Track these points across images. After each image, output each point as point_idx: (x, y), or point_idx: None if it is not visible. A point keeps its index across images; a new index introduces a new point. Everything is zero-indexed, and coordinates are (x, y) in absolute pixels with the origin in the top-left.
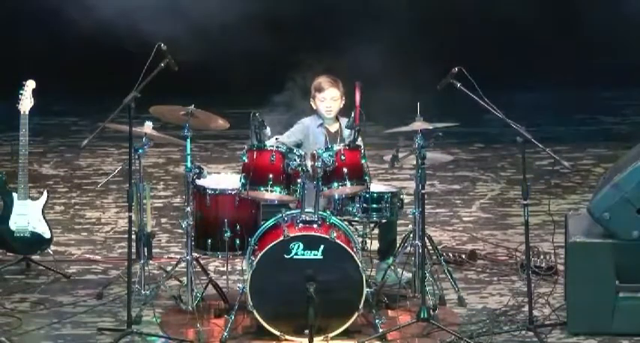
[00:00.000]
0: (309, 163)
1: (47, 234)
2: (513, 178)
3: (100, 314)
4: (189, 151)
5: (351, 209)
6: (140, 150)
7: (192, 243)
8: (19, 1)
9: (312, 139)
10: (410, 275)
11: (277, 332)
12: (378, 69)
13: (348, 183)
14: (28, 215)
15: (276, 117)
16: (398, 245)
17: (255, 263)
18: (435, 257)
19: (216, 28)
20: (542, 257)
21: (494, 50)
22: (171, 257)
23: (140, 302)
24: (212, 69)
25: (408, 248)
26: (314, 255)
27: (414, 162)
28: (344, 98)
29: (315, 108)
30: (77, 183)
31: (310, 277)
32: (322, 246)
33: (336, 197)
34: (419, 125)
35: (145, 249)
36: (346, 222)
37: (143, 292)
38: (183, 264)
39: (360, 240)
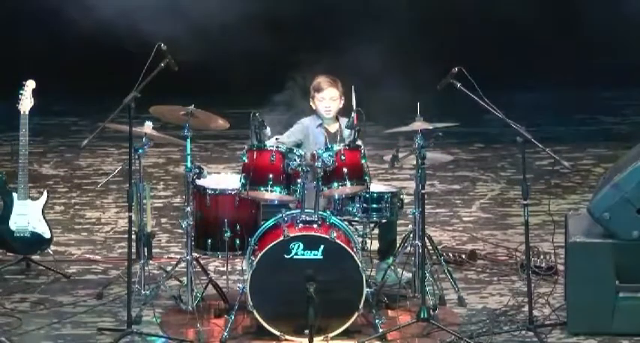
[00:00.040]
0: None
1: (47, 234)
2: (513, 178)
3: (100, 314)
4: (189, 151)
5: (351, 209)
6: (140, 150)
7: (192, 243)
8: (19, 1)
9: (312, 139)
10: (410, 275)
11: (277, 332)
12: (378, 69)
13: (348, 183)
14: (28, 215)
15: (276, 117)
16: (398, 245)
17: (255, 263)
18: (435, 257)
19: (216, 28)
20: (542, 257)
21: (494, 50)
22: (171, 257)
23: (140, 302)
24: (212, 69)
25: (408, 248)
26: (314, 255)
27: (414, 162)
28: (343, 98)
29: (314, 108)
30: (77, 183)
31: (310, 277)
32: (322, 246)
33: (336, 197)
34: (419, 125)
35: (145, 249)
36: (346, 222)
37: (143, 292)
38: (183, 264)
39: (360, 240)
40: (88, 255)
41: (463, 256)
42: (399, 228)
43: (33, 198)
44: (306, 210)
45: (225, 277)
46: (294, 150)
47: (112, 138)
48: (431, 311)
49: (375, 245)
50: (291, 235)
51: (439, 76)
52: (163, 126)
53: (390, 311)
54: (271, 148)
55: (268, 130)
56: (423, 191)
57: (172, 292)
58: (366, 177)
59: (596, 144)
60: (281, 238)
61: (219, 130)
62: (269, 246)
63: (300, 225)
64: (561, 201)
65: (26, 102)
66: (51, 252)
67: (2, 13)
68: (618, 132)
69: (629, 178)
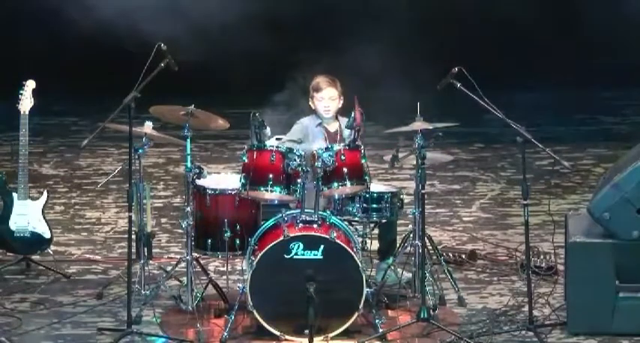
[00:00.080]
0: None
1: (47, 234)
2: (513, 178)
3: (100, 314)
4: (189, 151)
5: (351, 209)
6: (140, 150)
7: (192, 243)
8: (19, 1)
9: (312, 139)
10: (410, 275)
11: (277, 332)
12: (378, 69)
13: (348, 183)
14: (28, 215)
15: (276, 117)
16: (398, 245)
17: (255, 263)
18: (435, 257)
19: (216, 28)
20: (542, 257)
21: (494, 50)
22: (171, 257)
23: (140, 302)
24: (212, 69)
25: (408, 248)
26: (314, 255)
27: (414, 162)
28: (342, 97)
29: (313, 108)
30: (77, 183)
31: (310, 277)
32: (322, 246)
33: (336, 197)
34: (419, 125)
35: (145, 249)
36: (346, 222)
37: (143, 292)
38: (183, 264)
39: (360, 240)
40: (88, 255)
41: (463, 256)
42: (399, 228)
43: (33, 198)
44: (306, 210)
45: (225, 277)
46: (294, 150)
47: (112, 138)
48: (431, 311)
49: (375, 245)
50: (291, 235)
51: (439, 76)
52: (163, 126)
53: (390, 311)
54: (271, 148)
55: (268, 130)
56: (423, 191)
57: (172, 292)
58: (366, 177)
59: (596, 144)
60: (281, 238)
61: (219, 130)
62: (269, 246)
63: (300, 225)
64: (561, 201)
65: (26, 102)
66: (51, 252)
67: (2, 13)
68: (618, 132)
69: (629, 178)
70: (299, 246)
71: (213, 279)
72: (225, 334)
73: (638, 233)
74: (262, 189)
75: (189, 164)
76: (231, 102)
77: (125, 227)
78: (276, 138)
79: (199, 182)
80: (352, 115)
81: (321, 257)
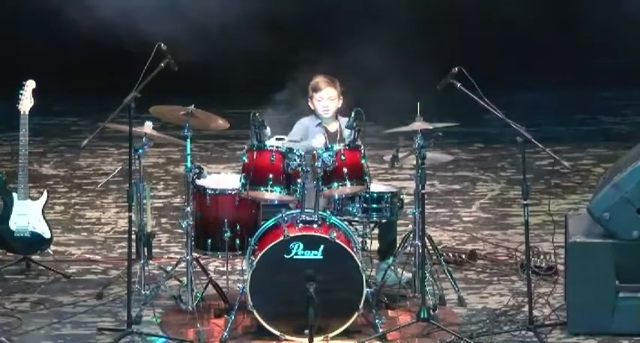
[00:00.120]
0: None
1: (47, 234)
2: (513, 178)
3: (100, 314)
4: (189, 151)
5: (351, 209)
6: (140, 150)
7: (192, 243)
8: (19, 1)
9: (311, 139)
10: (410, 275)
11: (277, 332)
12: (378, 69)
13: (348, 183)
14: (28, 215)
15: (276, 117)
16: (398, 245)
17: (255, 263)
18: (435, 257)
19: (216, 28)
20: (542, 257)
21: (494, 50)
22: (171, 258)
23: (140, 302)
24: (212, 69)
25: (408, 248)
26: (314, 255)
27: (414, 162)
28: (341, 97)
29: (312, 108)
30: (77, 183)
31: (310, 277)
32: (322, 246)
33: (336, 197)
34: (419, 125)
35: (145, 249)
36: (346, 222)
37: (143, 292)
38: (183, 264)
39: (360, 240)
40: (88, 255)
41: (463, 256)
42: (399, 228)
43: (33, 198)
44: (306, 210)
45: (225, 277)
46: (294, 150)
47: (112, 138)
48: (431, 311)
49: (375, 245)
50: (291, 235)
51: (439, 76)
52: (163, 126)
53: (390, 311)
54: (271, 148)
55: (268, 130)
56: (423, 191)
57: (172, 292)
58: (366, 177)
59: (596, 144)
60: (281, 238)
61: (219, 130)
62: (269, 246)
63: (300, 225)
64: (561, 201)
65: (26, 102)
66: (51, 252)
67: (2, 13)
68: (618, 132)
69: (629, 178)
70: (299, 246)
71: (213, 279)
72: (225, 334)
73: (638, 233)
74: (262, 189)
75: (189, 164)
76: (231, 102)
77: (125, 227)
78: (277, 138)
79: (199, 182)
80: (352, 115)
81: (321, 257)
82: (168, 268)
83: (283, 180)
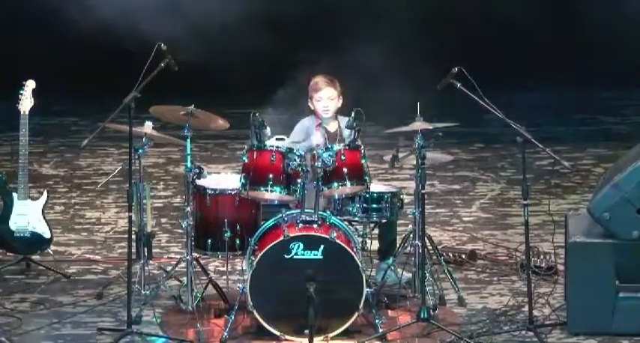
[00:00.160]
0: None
1: (47, 234)
2: (513, 178)
3: (100, 314)
4: (189, 151)
5: (351, 209)
6: (140, 150)
7: (192, 243)
8: (19, 1)
9: (311, 138)
10: (410, 275)
11: (277, 332)
12: (377, 69)
13: (348, 183)
14: (28, 215)
15: (276, 117)
16: (398, 245)
17: (255, 263)
18: (435, 257)
19: (216, 28)
20: (542, 257)
21: (494, 50)
22: (171, 258)
23: (140, 302)
24: (212, 69)
25: (408, 248)
26: (314, 255)
27: (414, 162)
28: (341, 97)
29: (312, 108)
30: (77, 183)
31: (310, 277)
32: (322, 246)
33: (336, 197)
34: (419, 125)
35: (145, 249)
36: (346, 222)
37: (143, 292)
38: (183, 264)
39: (360, 240)
40: (88, 255)
41: (463, 256)
42: (399, 228)
43: (33, 198)
44: (306, 210)
45: (225, 277)
46: (294, 150)
47: (112, 138)
48: (431, 311)
49: (375, 245)
50: (291, 235)
51: (439, 76)
52: (163, 126)
53: (390, 311)
54: (271, 148)
55: (268, 130)
56: (423, 191)
57: (172, 292)
58: (366, 177)
59: (596, 144)
60: (281, 238)
61: (219, 130)
62: (269, 246)
63: (300, 225)
64: (561, 201)
65: (26, 102)
66: (51, 252)
67: (2, 13)
68: (618, 132)
69: (629, 178)
70: (299, 246)
71: (213, 279)
72: (225, 334)
73: (638, 233)
74: (262, 189)
75: (189, 164)
76: (231, 102)
77: (125, 227)
78: (277, 138)
79: (199, 182)
80: (352, 115)
81: (321, 257)
82: (168, 268)
83: (283, 180)
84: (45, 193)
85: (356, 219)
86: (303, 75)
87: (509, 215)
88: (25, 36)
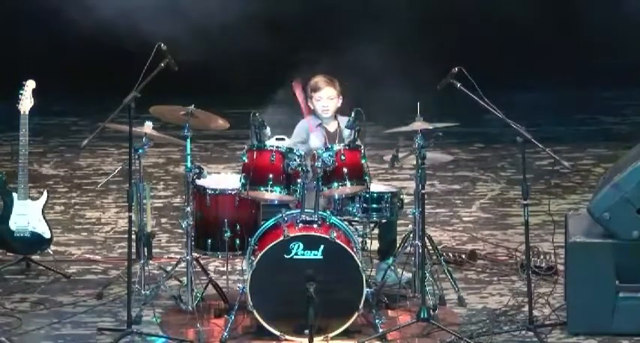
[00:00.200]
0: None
1: (47, 234)
2: (513, 178)
3: (100, 314)
4: (189, 151)
5: (351, 209)
6: (140, 150)
7: (192, 243)
8: (19, 1)
9: (312, 139)
10: (410, 275)
11: (277, 332)
12: (378, 69)
13: (348, 183)
14: (28, 215)
15: (276, 117)
16: (398, 245)
17: (255, 263)
18: (435, 257)
19: (216, 28)
20: (542, 257)
21: (494, 50)
22: (171, 258)
23: (140, 302)
24: (212, 69)
25: (408, 248)
26: (314, 255)
27: (414, 162)
28: (341, 97)
29: (312, 108)
30: (77, 183)
31: (310, 277)
32: (322, 246)
33: (336, 197)
34: (419, 125)
35: (145, 249)
36: (346, 222)
37: (143, 292)
38: (183, 264)
39: (360, 240)
40: (88, 255)
41: (463, 256)
42: (399, 228)
43: (33, 198)
44: (306, 210)
45: (225, 277)
46: (294, 150)
47: (112, 138)
48: (431, 311)
49: (375, 245)
50: (291, 235)
51: (439, 76)
52: (163, 126)
53: (390, 311)
54: (271, 148)
55: (268, 130)
56: (423, 191)
57: (172, 292)
58: (366, 177)
59: (596, 144)
60: (281, 238)
61: (219, 130)
62: (269, 246)
63: (300, 225)
64: (561, 201)
65: (26, 102)
66: (51, 252)
67: (2, 13)
68: (618, 132)
69: (629, 178)
70: (299, 246)
71: (213, 279)
72: (225, 334)
73: (638, 233)
74: (262, 189)
75: (189, 164)
76: (231, 102)
77: (125, 227)
78: (277, 138)
79: (199, 182)
80: (352, 115)
81: (321, 257)
82: (168, 268)
83: (283, 180)
84: (45, 193)
85: (356, 219)
86: (303, 75)
87: (509, 215)
88: (25, 36)
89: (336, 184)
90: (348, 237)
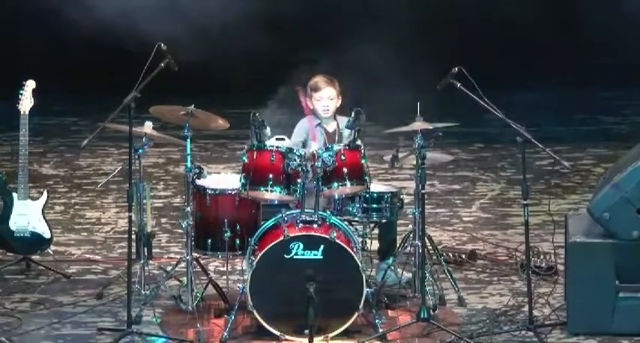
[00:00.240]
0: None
1: (47, 234)
2: (513, 178)
3: (100, 314)
4: (189, 151)
5: (351, 209)
6: (140, 150)
7: (192, 243)
8: (19, 1)
9: (311, 139)
10: (410, 275)
11: (277, 332)
12: (377, 69)
13: (348, 183)
14: (28, 215)
15: (276, 117)
16: (398, 245)
17: (255, 263)
18: (435, 257)
19: (216, 28)
20: (542, 257)
21: (494, 50)
22: (171, 258)
23: (140, 302)
24: (212, 69)
25: (408, 248)
26: (314, 255)
27: (414, 162)
28: (340, 97)
29: (312, 108)
30: (77, 183)
31: (310, 277)
32: (322, 246)
33: (336, 197)
34: (419, 125)
35: (145, 249)
36: (346, 222)
37: (143, 292)
38: (183, 264)
39: (360, 240)
40: (88, 255)
41: (463, 256)
42: (399, 228)
43: (33, 198)
44: (306, 210)
45: (225, 277)
46: (294, 150)
47: (112, 138)
48: (431, 311)
49: (375, 245)
50: (291, 235)
51: (439, 76)
52: (163, 126)
53: (390, 311)
54: (271, 148)
55: (268, 130)
56: (423, 191)
57: (172, 292)
58: (366, 177)
59: (596, 144)
60: (281, 238)
61: (219, 130)
62: (269, 246)
63: (300, 225)
64: (561, 201)
65: (26, 102)
66: (51, 252)
67: (2, 13)
68: (618, 132)
69: (629, 178)
70: (299, 246)
71: (213, 279)
72: (225, 334)
73: (638, 233)
74: (262, 189)
75: (189, 164)
76: (231, 102)
77: (125, 227)
78: (277, 138)
79: (199, 182)
80: (352, 115)
81: (321, 257)
82: (168, 268)
83: (283, 180)
84: (45, 193)
85: (356, 219)
86: (303, 75)
87: (509, 215)
88: (25, 36)
89: (336, 184)
90: (348, 237)
